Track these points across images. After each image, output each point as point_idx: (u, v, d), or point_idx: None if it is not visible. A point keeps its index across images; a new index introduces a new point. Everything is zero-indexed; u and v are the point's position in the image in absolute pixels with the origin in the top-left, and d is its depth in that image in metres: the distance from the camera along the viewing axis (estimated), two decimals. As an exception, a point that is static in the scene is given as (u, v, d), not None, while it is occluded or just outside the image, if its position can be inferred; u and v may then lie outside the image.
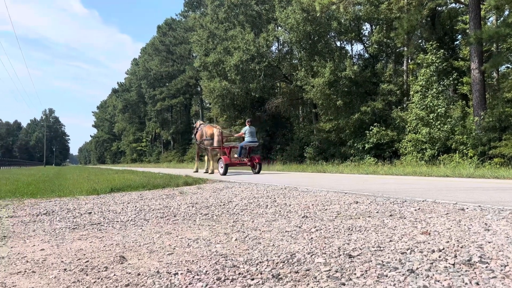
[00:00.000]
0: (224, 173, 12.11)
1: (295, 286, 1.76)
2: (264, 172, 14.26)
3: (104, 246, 2.69)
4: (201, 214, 3.94)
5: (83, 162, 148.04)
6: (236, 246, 2.55)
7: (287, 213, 3.73)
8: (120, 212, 4.23)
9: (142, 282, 1.90)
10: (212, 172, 13.25)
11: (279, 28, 25.42)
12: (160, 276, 1.97)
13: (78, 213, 4.27)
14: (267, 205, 4.34)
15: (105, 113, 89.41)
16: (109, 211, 4.37)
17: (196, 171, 15.09)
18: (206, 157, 14.47)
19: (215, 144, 13.40)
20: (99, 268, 2.14)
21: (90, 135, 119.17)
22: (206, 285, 1.82)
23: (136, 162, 61.43)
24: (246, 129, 13.04)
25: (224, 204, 4.58)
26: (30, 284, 1.93)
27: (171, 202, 4.95)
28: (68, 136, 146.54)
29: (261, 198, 5.03)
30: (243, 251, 2.41)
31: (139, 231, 3.30)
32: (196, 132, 14.90)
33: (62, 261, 2.32)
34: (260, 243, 2.63)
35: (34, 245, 2.79)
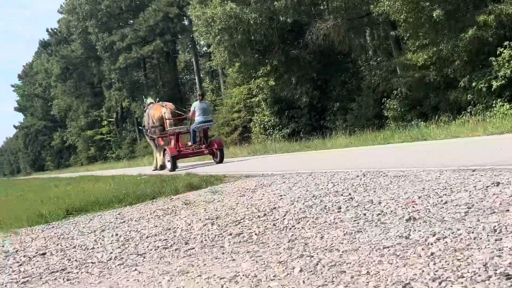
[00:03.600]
0: (173, 169, 9.53)
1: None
2: (317, 152, 10.37)
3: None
4: (231, 235, 2.54)
5: (7, 172, 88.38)
6: (303, 282, 1.64)
7: (378, 216, 2.41)
8: (93, 248, 2.79)
9: None
10: (162, 168, 10.53)
11: None
12: None
13: (24, 256, 2.88)
14: (340, 207, 2.88)
15: (33, 85, 52.85)
16: (74, 247, 2.90)
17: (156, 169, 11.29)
18: (153, 150, 11.85)
19: (168, 128, 10.53)
20: None
21: (14, 126, 68.54)
22: None
23: (96, 160, 39.78)
24: (197, 105, 10.07)
25: (265, 214, 3.08)
26: None
27: (175, 221, 3.37)
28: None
29: (326, 196, 3.41)
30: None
31: (133, 274, 2.13)
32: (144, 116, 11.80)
33: None
34: (344, 271, 1.65)
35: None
